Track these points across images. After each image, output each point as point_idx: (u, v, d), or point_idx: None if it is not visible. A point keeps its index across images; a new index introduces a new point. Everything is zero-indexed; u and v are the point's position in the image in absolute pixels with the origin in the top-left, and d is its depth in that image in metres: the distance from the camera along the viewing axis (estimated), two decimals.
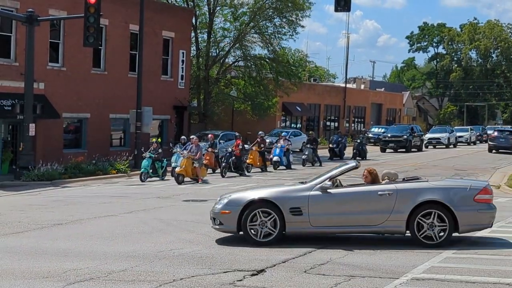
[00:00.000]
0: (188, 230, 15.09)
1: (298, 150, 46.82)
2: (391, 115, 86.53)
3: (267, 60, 51.08)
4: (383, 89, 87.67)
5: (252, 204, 13.08)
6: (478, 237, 13.87)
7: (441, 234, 12.78)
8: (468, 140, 67.46)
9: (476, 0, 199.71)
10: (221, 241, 13.48)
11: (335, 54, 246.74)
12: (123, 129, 39.21)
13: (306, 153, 38.46)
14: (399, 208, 12.83)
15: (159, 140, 32.46)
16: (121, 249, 12.68)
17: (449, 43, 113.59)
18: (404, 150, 51.98)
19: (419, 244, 12.75)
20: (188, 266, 11.18)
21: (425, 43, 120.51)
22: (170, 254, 12.16)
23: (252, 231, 13.01)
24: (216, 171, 32.34)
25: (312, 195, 13.06)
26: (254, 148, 34.29)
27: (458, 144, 63.33)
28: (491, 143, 52.02)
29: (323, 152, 44.41)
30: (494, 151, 50.86)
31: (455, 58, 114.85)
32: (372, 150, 50.56)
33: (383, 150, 52.29)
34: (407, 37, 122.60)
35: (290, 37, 51.13)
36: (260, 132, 36.10)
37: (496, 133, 52.81)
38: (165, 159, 30.45)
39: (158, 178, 29.73)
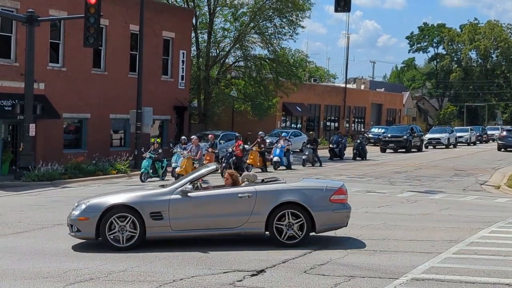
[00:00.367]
0: None
1: (298, 150, 46.83)
2: (391, 115, 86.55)
3: (267, 60, 51.11)
4: (383, 90, 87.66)
5: (111, 210, 12.70)
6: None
7: (300, 233, 12.86)
8: (468, 141, 67.49)
9: (476, 0, 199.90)
10: (221, 242, 13.47)
11: (335, 55, 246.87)
12: (124, 129, 39.22)
13: (306, 153, 38.47)
14: (258, 209, 12.84)
15: (159, 140, 32.46)
16: (119, 249, 12.67)
17: (449, 43, 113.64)
18: (404, 150, 52.00)
19: (280, 244, 12.75)
20: (188, 266, 11.19)
21: (425, 44, 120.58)
22: (170, 255, 12.16)
23: (112, 237, 12.64)
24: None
25: (172, 199, 12.85)
26: (254, 148, 34.29)
27: (458, 144, 63.38)
28: (500, 142, 55.79)
29: (323, 153, 44.43)
30: (502, 149, 54.24)
31: (455, 59, 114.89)
32: (372, 151, 50.57)
33: (383, 150, 52.31)
34: (407, 38, 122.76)
35: (290, 37, 51.19)
36: (260, 132, 36.09)
37: (505, 133, 56.56)
38: (165, 160, 30.46)
39: (158, 179, 29.74)
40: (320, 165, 37.80)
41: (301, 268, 11.03)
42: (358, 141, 44.51)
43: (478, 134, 72.63)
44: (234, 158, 31.50)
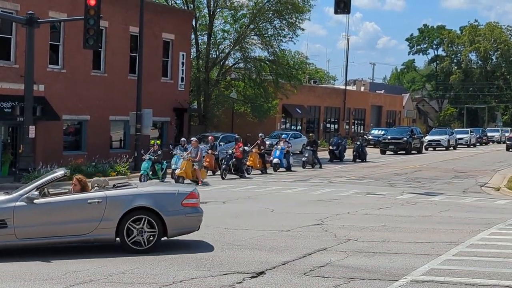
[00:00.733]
0: None
1: (298, 152, 46.83)
2: (391, 117, 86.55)
3: (267, 62, 51.11)
4: (383, 91, 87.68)
5: None
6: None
7: (151, 239, 12.65)
8: (468, 142, 67.50)
9: (476, 2, 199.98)
10: (220, 243, 13.48)
11: (335, 56, 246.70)
12: (123, 131, 39.21)
13: (306, 155, 38.48)
14: (109, 215, 12.55)
15: (159, 142, 32.45)
16: (120, 251, 12.67)
17: (449, 45, 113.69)
18: (404, 152, 52.00)
19: (129, 250, 12.54)
20: (187, 268, 11.18)
21: (425, 45, 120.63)
22: (170, 256, 12.16)
23: None
24: (216, 173, 32.35)
25: (17, 206, 12.37)
26: (254, 150, 34.29)
27: (458, 146, 63.38)
28: (509, 142, 58.88)
29: (323, 154, 44.45)
30: (510, 150, 56.85)
31: (455, 60, 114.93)
32: (372, 152, 50.58)
33: (383, 152, 52.29)
34: (407, 39, 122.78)
35: (290, 39, 51.19)
36: (260, 134, 36.11)
37: None
38: (165, 161, 30.45)
39: (158, 180, 29.71)
40: (320, 167, 37.81)
41: (301, 270, 11.02)
42: (358, 143, 44.51)
43: (478, 136, 72.62)
44: (234, 160, 31.51)
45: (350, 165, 40.66)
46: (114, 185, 13.92)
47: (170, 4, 49.67)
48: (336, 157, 43.45)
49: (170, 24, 41.90)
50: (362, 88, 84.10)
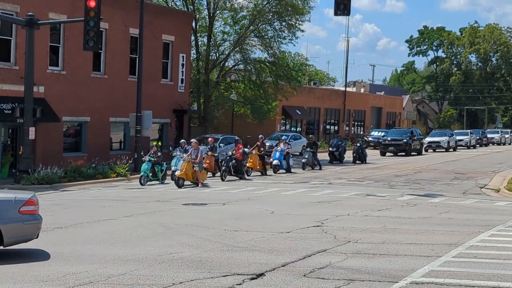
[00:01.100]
0: (187, 233, 15.09)
1: (298, 153, 46.83)
2: (391, 118, 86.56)
3: (267, 63, 51.10)
4: (383, 93, 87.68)
5: None
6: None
7: None
8: (468, 144, 67.50)
9: (475, 4, 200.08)
10: (220, 245, 13.48)
11: (334, 58, 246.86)
12: (123, 132, 39.22)
13: (306, 156, 38.46)
14: None
15: (159, 143, 32.45)
16: (120, 253, 12.68)
17: (449, 46, 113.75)
18: (404, 153, 51.99)
19: None
20: (187, 269, 11.18)
21: (425, 47, 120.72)
22: (170, 258, 12.16)
23: None
24: (216, 175, 32.35)
25: None
26: (254, 151, 34.29)
27: (458, 147, 63.36)
28: None
29: (323, 156, 44.45)
30: None
31: (455, 62, 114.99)
32: (372, 154, 50.56)
33: (383, 153, 52.28)
34: (406, 41, 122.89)
35: (290, 41, 51.20)
36: (260, 136, 36.11)
37: None
38: (164, 163, 30.46)
39: (158, 182, 29.75)
40: (320, 169, 37.81)
41: (300, 272, 11.02)
42: (358, 144, 44.50)
43: (478, 137, 72.63)
44: (233, 161, 31.51)
45: (350, 166, 40.66)
46: None
47: (170, 5, 49.67)
48: (336, 158, 43.44)
49: (170, 26, 41.92)
50: (362, 90, 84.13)
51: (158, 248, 13.16)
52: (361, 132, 68.91)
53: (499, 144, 76.93)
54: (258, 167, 34.13)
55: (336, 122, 71.73)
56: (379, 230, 15.63)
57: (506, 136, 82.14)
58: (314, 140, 41.57)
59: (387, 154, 52.20)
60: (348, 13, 26.27)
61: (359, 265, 11.61)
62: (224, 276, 10.71)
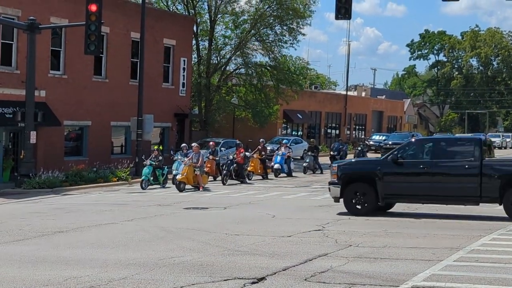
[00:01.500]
0: (188, 237, 15.08)
1: (299, 157, 46.84)
2: (392, 122, 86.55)
3: (268, 67, 51.16)
4: (384, 97, 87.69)
5: None
6: None
7: None
8: None
9: (476, 8, 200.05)
10: (221, 249, 13.47)
11: (336, 62, 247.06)
12: (124, 136, 39.23)
13: (307, 160, 38.48)
14: None
15: (160, 147, 32.45)
16: (121, 257, 12.68)
17: (450, 50, 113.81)
18: None
19: None
20: (188, 274, 11.17)
21: (426, 51, 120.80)
22: (171, 262, 12.15)
23: None
24: (217, 179, 32.35)
25: None
26: (255, 155, 34.30)
27: None
28: None
29: (324, 160, 44.42)
30: None
31: (456, 66, 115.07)
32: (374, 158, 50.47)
33: None
34: (408, 45, 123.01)
35: (291, 45, 51.34)
36: (261, 140, 36.13)
37: None
38: (165, 167, 30.47)
39: (159, 186, 29.76)
40: (321, 173, 37.79)
41: (301, 276, 11.01)
42: (359, 148, 44.41)
43: None
44: (235, 165, 31.52)
45: None
46: None
47: (171, 9, 49.74)
48: None
49: (171, 30, 41.96)
50: (363, 94, 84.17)
51: (159, 252, 13.15)
52: (363, 136, 68.86)
53: (500, 148, 76.83)
54: (259, 171, 34.15)
55: (337, 126, 71.72)
56: (380, 234, 15.62)
57: (507, 140, 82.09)
58: (315, 144, 41.59)
59: None
60: (349, 17, 26.30)
61: (360, 269, 11.60)
62: (225, 280, 10.70)
